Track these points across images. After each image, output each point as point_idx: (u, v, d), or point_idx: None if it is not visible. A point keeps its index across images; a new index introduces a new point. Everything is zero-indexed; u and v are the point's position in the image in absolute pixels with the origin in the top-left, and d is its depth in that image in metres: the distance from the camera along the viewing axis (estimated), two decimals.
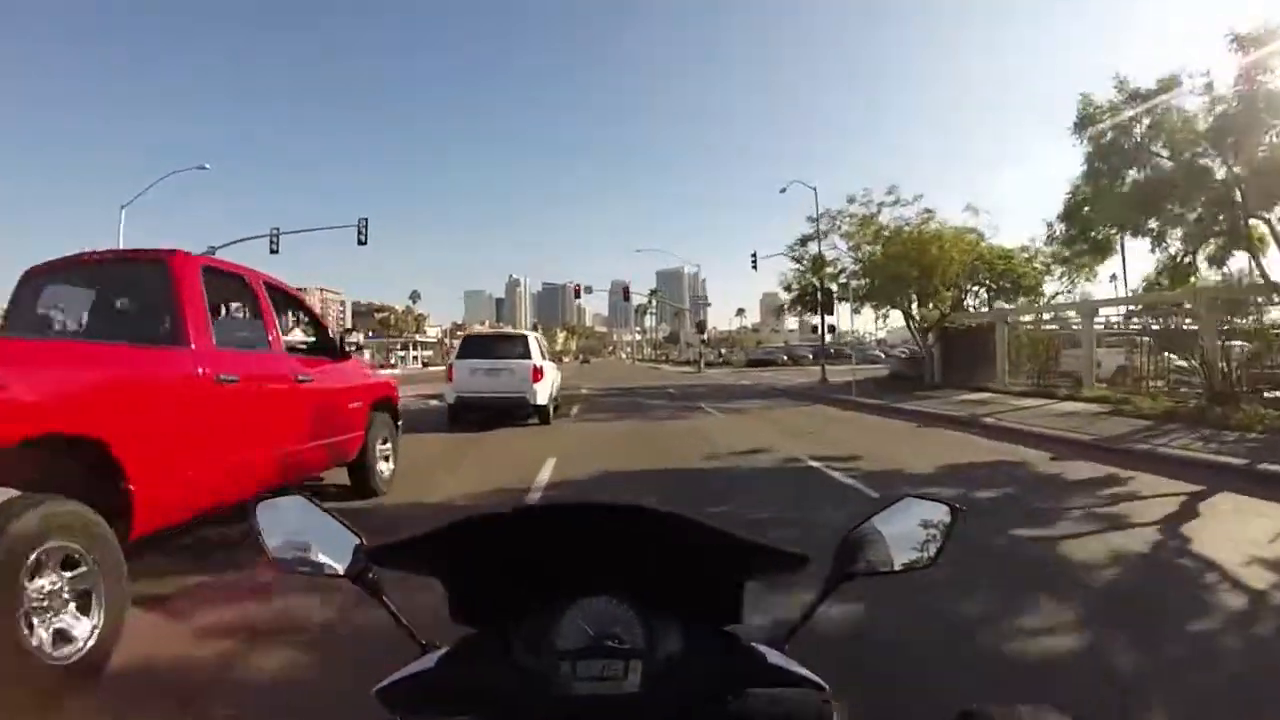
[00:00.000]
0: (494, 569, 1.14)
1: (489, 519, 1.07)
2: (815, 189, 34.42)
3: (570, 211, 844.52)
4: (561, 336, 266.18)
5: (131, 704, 3.49)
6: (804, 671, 1.07)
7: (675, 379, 41.93)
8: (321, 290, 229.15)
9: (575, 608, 1.06)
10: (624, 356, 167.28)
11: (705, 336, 65.56)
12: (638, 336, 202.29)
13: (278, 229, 38.94)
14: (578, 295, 55.81)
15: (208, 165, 42.91)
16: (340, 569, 1.23)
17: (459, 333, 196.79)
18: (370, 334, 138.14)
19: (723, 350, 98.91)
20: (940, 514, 1.27)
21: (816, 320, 40.42)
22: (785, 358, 67.49)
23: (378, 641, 1.65)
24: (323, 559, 1.24)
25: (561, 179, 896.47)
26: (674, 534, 1.07)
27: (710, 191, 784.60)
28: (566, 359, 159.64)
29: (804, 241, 34.50)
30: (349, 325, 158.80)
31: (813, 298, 35.28)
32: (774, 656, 1.10)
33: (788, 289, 38.47)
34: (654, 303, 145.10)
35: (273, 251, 38.29)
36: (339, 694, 2.33)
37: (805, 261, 34.88)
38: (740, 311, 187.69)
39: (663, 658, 1.03)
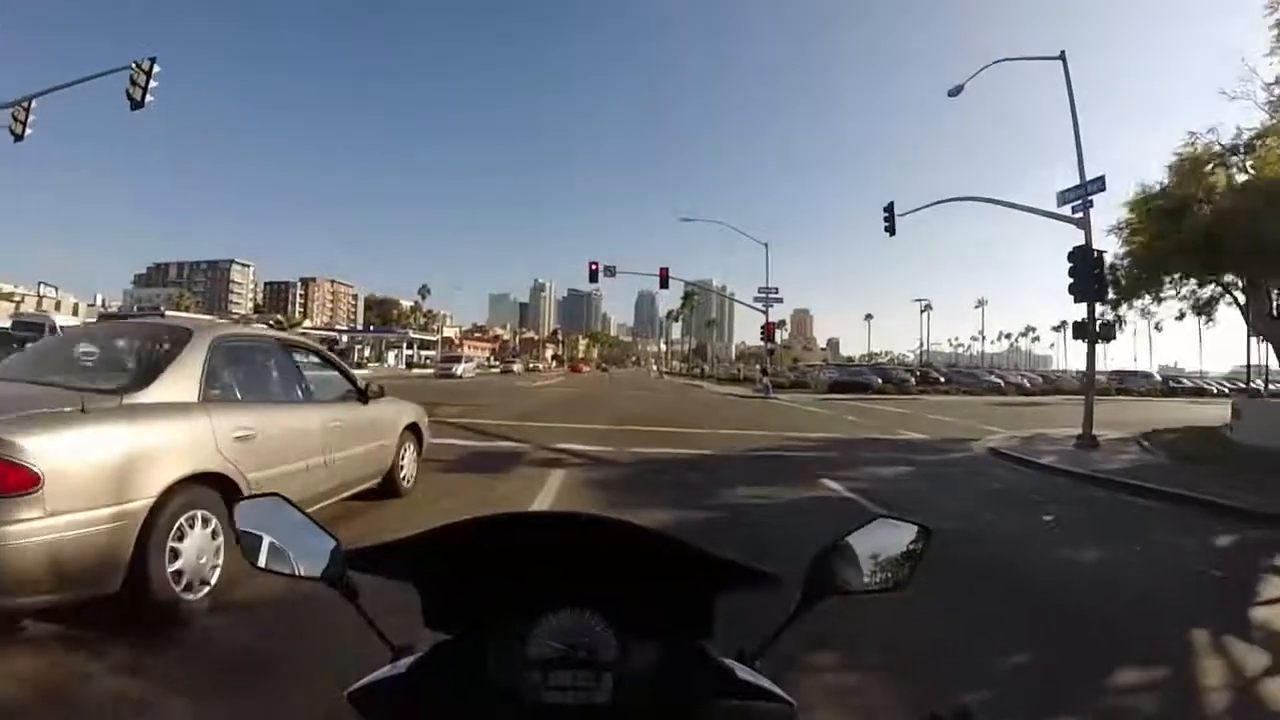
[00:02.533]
0: (470, 577, 1.15)
1: (466, 527, 1.08)
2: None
3: (599, 218, 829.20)
4: (584, 344, 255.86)
5: None
6: (772, 687, 1.10)
7: (742, 414, 26.36)
8: (333, 282, 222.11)
9: (549, 619, 1.07)
10: (652, 369, 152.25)
11: (771, 346, 48.87)
12: (663, 347, 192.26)
13: None
14: (593, 279, 45.16)
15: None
16: (317, 571, 1.22)
17: (476, 333, 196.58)
18: (369, 328, 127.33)
19: (792, 367, 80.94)
20: (912, 536, 1.26)
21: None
22: (879, 380, 51.55)
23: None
24: (300, 561, 1.24)
25: (592, 182, 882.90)
26: (647, 549, 1.10)
27: (737, 198, 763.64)
28: (587, 369, 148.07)
29: None
30: (359, 322, 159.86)
31: None
32: (744, 672, 1.12)
33: None
34: (690, 308, 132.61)
35: None
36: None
37: None
38: (778, 325, 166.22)
39: (634, 670, 1.05)
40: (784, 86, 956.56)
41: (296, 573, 1.23)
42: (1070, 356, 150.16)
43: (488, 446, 13.13)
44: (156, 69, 21.00)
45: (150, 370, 4.79)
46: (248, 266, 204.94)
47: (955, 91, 22.91)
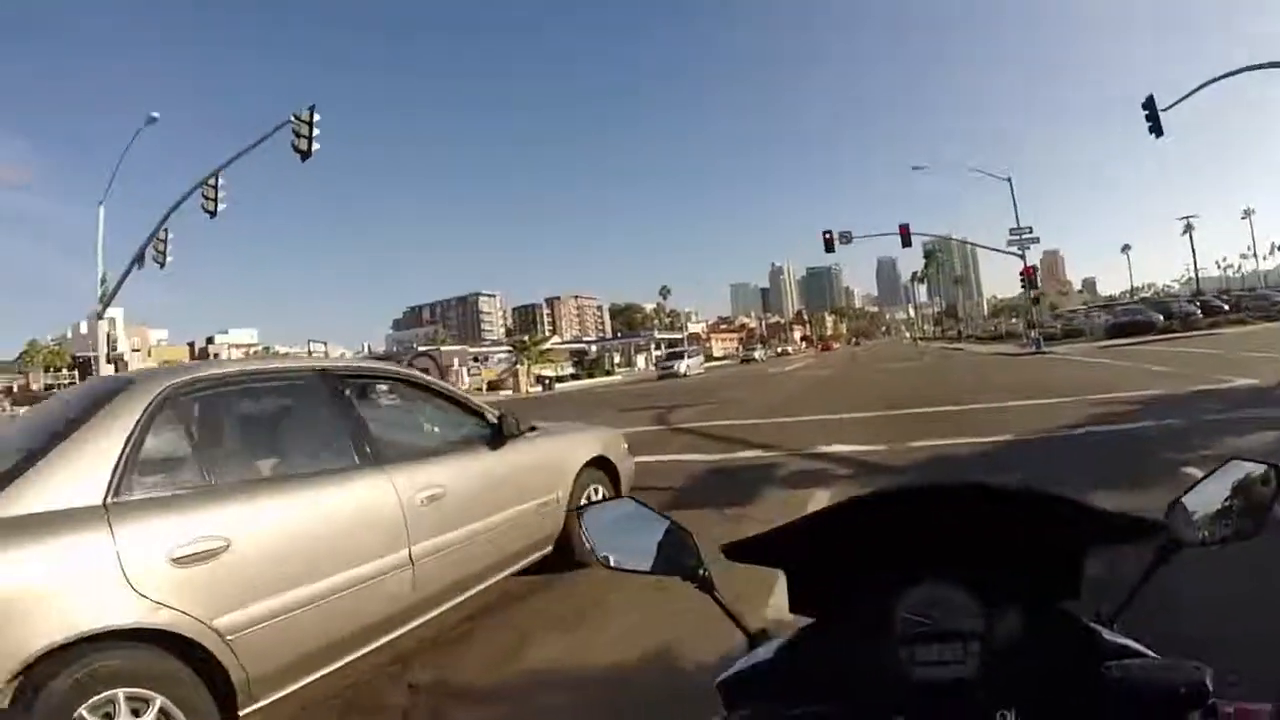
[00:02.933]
0: (832, 558, 1.15)
1: (834, 511, 1.10)
2: None
3: (828, 191, 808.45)
4: (830, 320, 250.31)
5: None
6: (1143, 649, 1.04)
7: (1023, 376, 21.33)
8: (577, 297, 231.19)
9: (911, 593, 1.05)
10: (905, 336, 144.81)
11: (1036, 292, 43.13)
12: (912, 313, 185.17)
13: None
14: (829, 248, 42.27)
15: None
16: (671, 567, 1.26)
17: (722, 325, 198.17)
18: (617, 335, 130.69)
19: (1054, 314, 72.11)
20: (1262, 473, 1.17)
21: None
22: (1161, 318, 44.00)
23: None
24: (652, 558, 1.26)
25: (815, 155, 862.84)
26: (1017, 508, 1.08)
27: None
28: (837, 345, 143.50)
29: None
30: (607, 329, 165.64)
31: None
32: (1109, 634, 1.08)
33: None
34: (936, 266, 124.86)
35: None
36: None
37: None
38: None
39: (1001, 639, 1.03)
40: None
41: (651, 570, 1.25)
42: None
43: (727, 459, 10.68)
44: (317, 116, 21.16)
45: (27, 458, 2.85)
46: (494, 296, 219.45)
47: None
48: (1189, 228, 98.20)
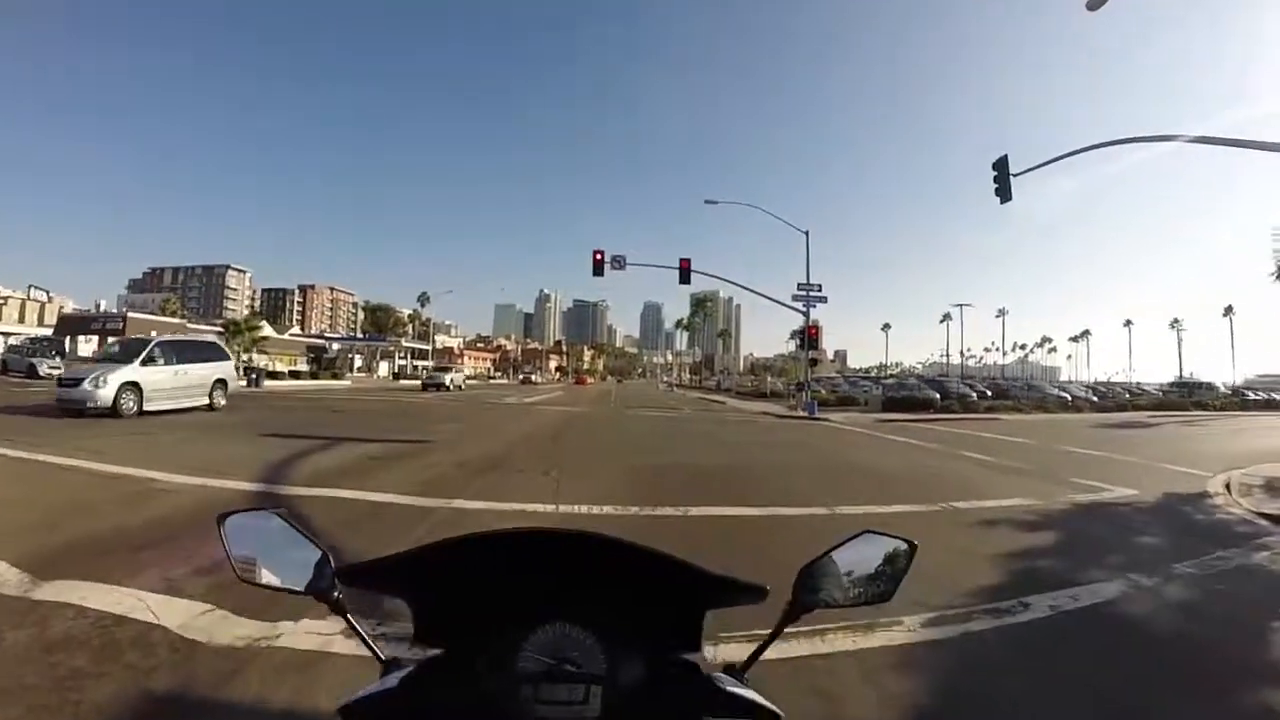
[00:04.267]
0: (459, 591, 1.15)
1: (456, 544, 1.08)
2: None
3: (605, 228, 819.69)
4: (589, 355, 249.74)
5: None
6: (761, 700, 1.09)
7: (816, 452, 17.42)
8: (333, 289, 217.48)
9: (539, 633, 1.07)
10: (661, 381, 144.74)
11: (814, 355, 39.78)
12: (670, 358, 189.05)
13: None
14: (598, 271, 37.34)
15: None
16: (304, 585, 1.22)
17: (479, 344, 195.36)
18: (366, 335, 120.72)
19: (815, 380, 71.98)
20: (898, 547, 1.27)
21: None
22: (937, 395, 43.18)
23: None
24: (289, 574, 1.23)
25: (596, 192, 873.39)
26: (635, 564, 1.10)
27: (743, 220, 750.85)
28: (591, 381, 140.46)
29: None
30: (359, 331, 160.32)
31: None
32: (731, 684, 1.12)
33: None
34: (704, 315, 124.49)
35: None
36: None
37: None
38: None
39: (624, 685, 1.05)
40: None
41: (286, 587, 1.22)
42: (1078, 368, 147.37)
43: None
44: None
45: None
46: (244, 272, 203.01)
47: None
48: (947, 317, 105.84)
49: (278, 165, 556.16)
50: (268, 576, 1.23)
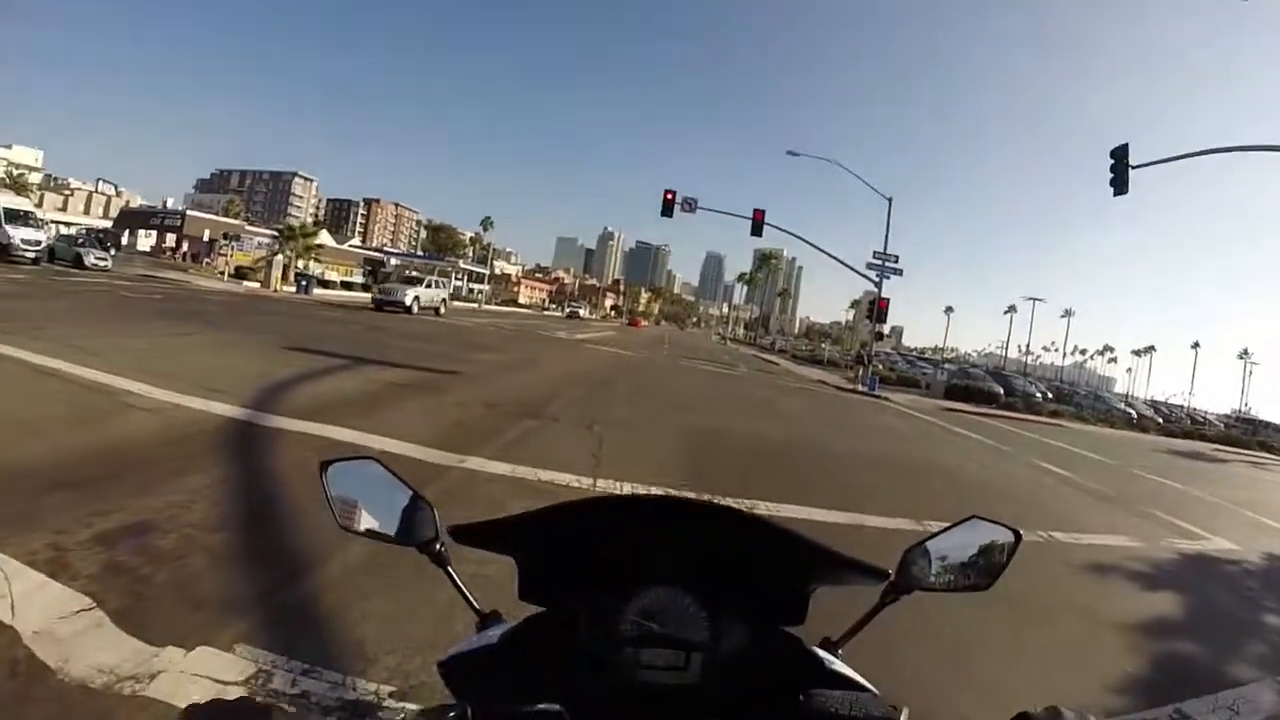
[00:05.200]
0: (568, 552, 1.13)
1: (572, 508, 1.06)
2: None
3: (680, 174, 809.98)
4: (645, 297, 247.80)
5: None
6: (857, 676, 1.08)
7: (893, 439, 16.41)
8: (398, 205, 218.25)
9: (642, 596, 1.04)
10: (716, 332, 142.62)
11: (880, 329, 37.70)
12: (726, 310, 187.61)
13: None
14: (667, 211, 34.98)
15: None
16: (409, 537, 1.22)
17: (537, 274, 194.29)
18: (425, 254, 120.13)
19: (898, 355, 71.12)
20: (1003, 537, 1.27)
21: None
22: (1001, 391, 41.36)
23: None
24: (392, 526, 1.23)
25: (673, 136, 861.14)
26: (756, 538, 1.08)
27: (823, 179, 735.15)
28: (645, 324, 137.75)
29: None
30: (422, 240, 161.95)
31: None
32: (830, 661, 1.11)
33: None
34: (768, 272, 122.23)
35: None
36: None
37: None
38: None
39: (725, 653, 1.03)
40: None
41: (389, 539, 1.22)
42: (1137, 383, 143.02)
43: None
44: None
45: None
46: (311, 180, 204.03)
47: None
48: (1012, 309, 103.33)
49: (357, 82, 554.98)
50: (369, 523, 1.22)
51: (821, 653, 1.11)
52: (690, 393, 18.58)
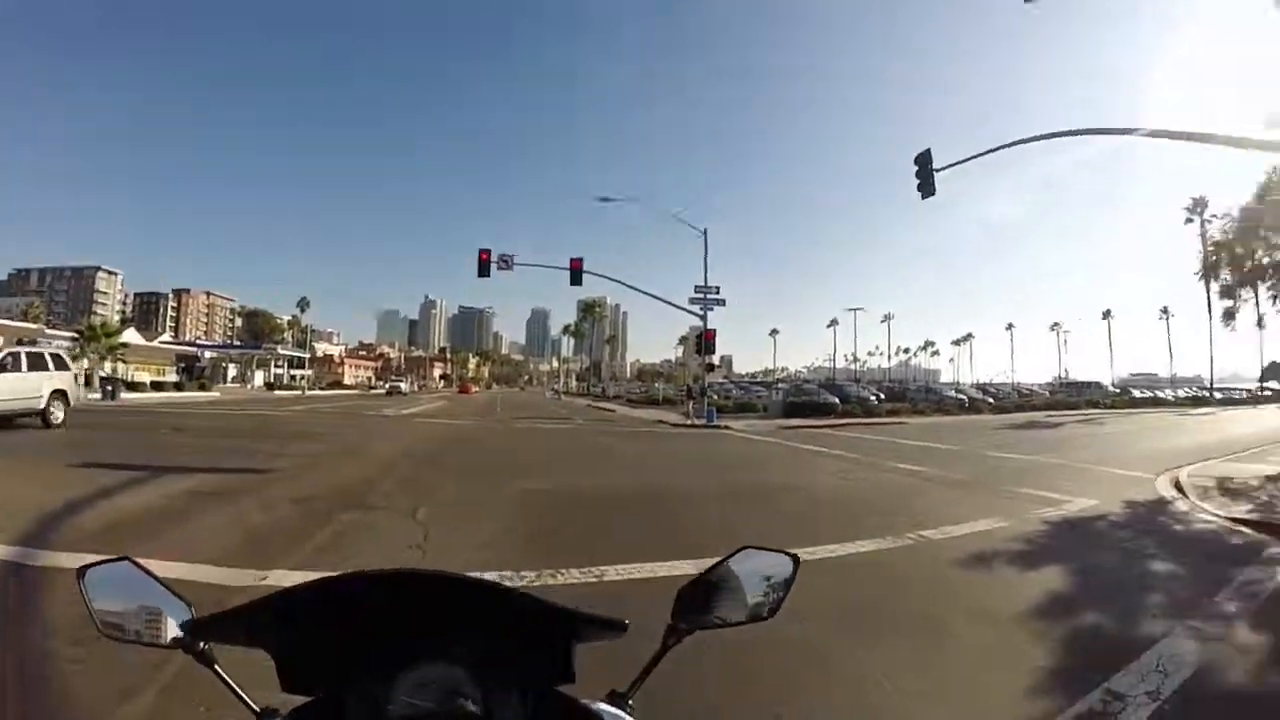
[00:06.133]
0: (323, 636, 1.09)
1: (316, 587, 1.03)
2: None
3: (491, 232, 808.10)
4: (474, 362, 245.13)
5: None
6: None
7: (732, 467, 16.41)
8: (209, 294, 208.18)
9: (409, 674, 1.01)
10: (550, 388, 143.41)
11: (711, 360, 38.26)
12: (556, 364, 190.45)
13: None
14: (484, 271, 34.73)
15: None
16: (170, 638, 1.14)
17: (361, 351, 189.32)
18: (240, 343, 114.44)
19: (730, 383, 73.84)
20: (780, 563, 1.27)
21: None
22: (837, 401, 43.29)
23: None
24: (153, 628, 1.16)
25: (483, 197, 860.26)
26: (493, 603, 1.07)
27: (639, 225, 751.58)
28: (476, 389, 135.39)
29: None
30: (237, 328, 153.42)
31: None
32: (611, 715, 1.12)
33: None
34: (593, 319, 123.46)
35: None
36: None
37: None
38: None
39: None
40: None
41: (152, 640, 1.15)
42: (960, 371, 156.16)
43: None
44: None
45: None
46: (115, 275, 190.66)
47: None
48: (834, 322, 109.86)
49: (154, 167, 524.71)
50: (131, 631, 1.14)
51: (605, 707, 1.12)
52: (525, 454, 18.03)
